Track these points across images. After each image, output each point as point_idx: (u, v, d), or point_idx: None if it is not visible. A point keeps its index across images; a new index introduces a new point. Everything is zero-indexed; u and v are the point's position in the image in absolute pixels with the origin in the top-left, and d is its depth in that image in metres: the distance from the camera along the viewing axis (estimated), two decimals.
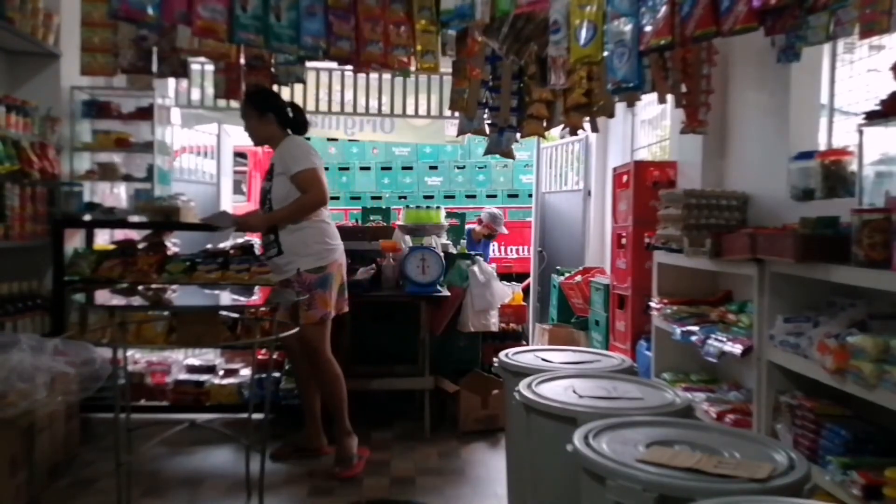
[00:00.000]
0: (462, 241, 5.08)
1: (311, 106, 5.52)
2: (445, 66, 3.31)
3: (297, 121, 3.38)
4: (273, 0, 2.55)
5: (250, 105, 3.27)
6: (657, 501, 1.36)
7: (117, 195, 4.86)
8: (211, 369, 4.21)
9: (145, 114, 4.59)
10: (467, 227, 6.21)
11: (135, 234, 4.41)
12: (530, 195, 7.08)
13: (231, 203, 7.29)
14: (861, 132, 2.50)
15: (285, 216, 3.17)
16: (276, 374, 4.01)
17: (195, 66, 4.87)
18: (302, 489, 3.16)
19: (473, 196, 8.31)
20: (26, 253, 3.87)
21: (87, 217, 4.25)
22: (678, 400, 2.04)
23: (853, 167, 2.57)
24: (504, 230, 6.41)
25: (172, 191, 4.77)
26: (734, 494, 1.32)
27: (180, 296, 3.29)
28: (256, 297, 3.40)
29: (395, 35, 2.79)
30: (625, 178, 4.07)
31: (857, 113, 2.68)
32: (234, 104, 4.42)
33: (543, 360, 2.57)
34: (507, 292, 4.62)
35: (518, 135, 3.65)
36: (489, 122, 3.64)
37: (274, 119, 3.26)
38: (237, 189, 8.39)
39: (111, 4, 2.44)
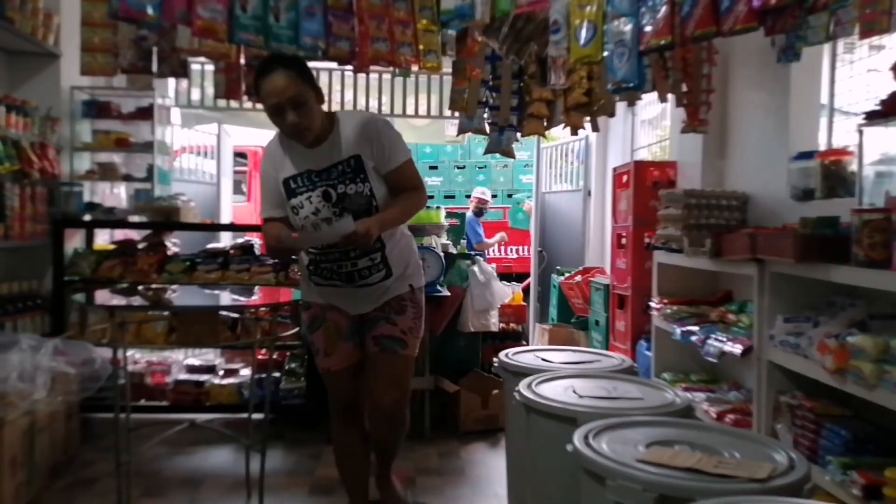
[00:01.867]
0: (462, 241, 5.09)
1: None
2: (445, 66, 3.30)
3: None
4: (272, 0, 2.55)
5: (305, 81, 2.21)
6: (657, 501, 1.36)
7: (117, 195, 4.86)
8: (211, 369, 4.21)
9: (145, 114, 4.59)
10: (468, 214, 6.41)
11: (135, 234, 4.42)
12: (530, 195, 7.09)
13: (231, 203, 7.28)
14: (861, 132, 2.50)
15: (397, 218, 2.36)
16: (276, 374, 4.01)
17: (195, 66, 4.87)
18: (302, 489, 3.16)
19: None
20: (26, 253, 3.88)
21: (87, 217, 4.26)
22: (678, 400, 2.04)
23: (853, 167, 2.57)
24: (489, 199, 7.05)
25: (172, 191, 4.77)
26: (734, 494, 1.32)
27: (180, 296, 3.29)
28: (256, 297, 3.40)
29: (399, 33, 2.79)
30: (625, 178, 4.07)
31: (857, 113, 2.68)
32: (234, 104, 4.43)
33: (543, 360, 2.57)
34: (507, 292, 4.61)
35: (518, 134, 3.65)
36: (489, 121, 3.64)
37: (320, 94, 2.31)
38: (237, 189, 8.39)
39: (111, 4, 2.43)
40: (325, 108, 2.34)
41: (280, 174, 2.34)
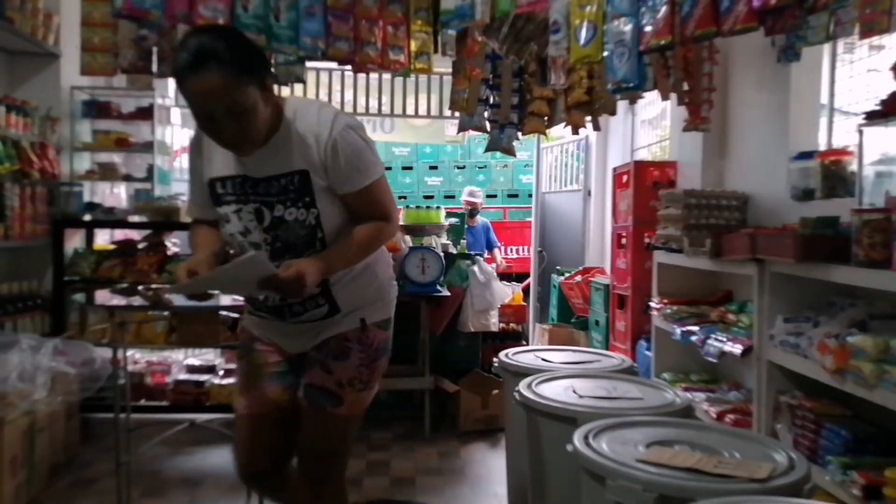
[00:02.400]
0: (462, 241, 5.10)
1: None
2: (444, 65, 3.31)
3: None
4: (273, 0, 2.55)
5: (248, 79, 1.57)
6: (657, 501, 1.36)
7: (117, 195, 4.86)
8: (211, 369, 4.21)
9: (145, 114, 4.59)
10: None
11: (135, 234, 4.42)
12: (530, 195, 7.08)
13: None
14: (861, 132, 2.50)
15: (348, 260, 1.77)
16: None
17: None
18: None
19: None
20: (26, 253, 3.88)
21: (87, 217, 4.25)
22: (678, 400, 2.04)
23: (853, 167, 2.57)
24: (477, 199, 6.68)
25: (172, 191, 4.78)
26: (734, 494, 1.32)
27: (180, 296, 3.28)
28: None
29: (391, 36, 2.80)
30: (625, 178, 4.07)
31: (857, 113, 2.68)
32: None
33: (543, 360, 2.57)
34: (507, 292, 4.62)
35: (519, 132, 3.66)
36: (490, 118, 3.64)
37: (269, 89, 1.66)
38: None
39: (114, 3, 2.44)
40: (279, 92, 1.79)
41: (207, 170, 1.78)
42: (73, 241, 4.17)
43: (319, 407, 1.85)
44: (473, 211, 6.59)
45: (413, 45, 2.84)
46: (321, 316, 1.83)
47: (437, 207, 4.45)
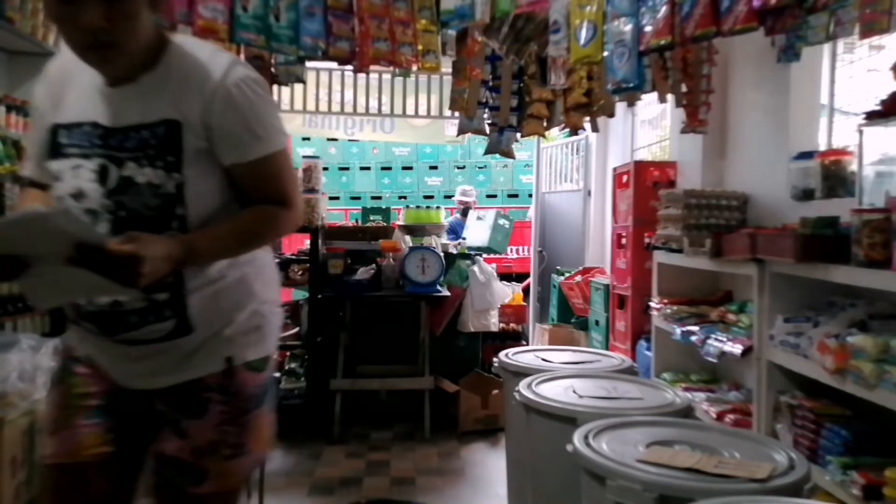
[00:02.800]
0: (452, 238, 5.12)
1: (311, 106, 5.52)
2: (445, 66, 3.31)
3: None
4: (273, 0, 2.55)
5: None
6: (657, 501, 1.36)
7: None
8: None
9: None
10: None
11: None
12: (530, 195, 7.09)
13: None
14: (861, 132, 2.50)
15: (226, 248, 1.33)
16: (276, 374, 4.01)
17: None
18: (302, 489, 3.16)
19: None
20: None
21: None
22: (678, 400, 2.04)
23: (853, 167, 2.57)
24: (470, 198, 6.75)
25: None
26: (734, 494, 1.33)
27: None
28: None
29: (400, 33, 2.79)
30: (625, 178, 4.07)
31: (857, 113, 2.68)
32: None
33: (543, 360, 2.57)
34: (507, 292, 4.63)
35: (518, 134, 3.66)
36: (489, 121, 3.64)
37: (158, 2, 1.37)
38: None
39: None
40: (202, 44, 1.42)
41: (52, 114, 1.34)
42: None
43: (174, 488, 1.34)
44: (466, 210, 6.61)
45: (420, 45, 2.84)
46: (163, 334, 1.30)
47: (437, 207, 4.45)
